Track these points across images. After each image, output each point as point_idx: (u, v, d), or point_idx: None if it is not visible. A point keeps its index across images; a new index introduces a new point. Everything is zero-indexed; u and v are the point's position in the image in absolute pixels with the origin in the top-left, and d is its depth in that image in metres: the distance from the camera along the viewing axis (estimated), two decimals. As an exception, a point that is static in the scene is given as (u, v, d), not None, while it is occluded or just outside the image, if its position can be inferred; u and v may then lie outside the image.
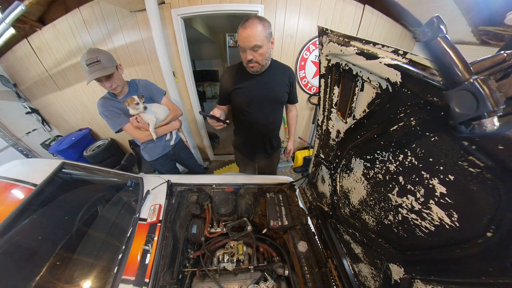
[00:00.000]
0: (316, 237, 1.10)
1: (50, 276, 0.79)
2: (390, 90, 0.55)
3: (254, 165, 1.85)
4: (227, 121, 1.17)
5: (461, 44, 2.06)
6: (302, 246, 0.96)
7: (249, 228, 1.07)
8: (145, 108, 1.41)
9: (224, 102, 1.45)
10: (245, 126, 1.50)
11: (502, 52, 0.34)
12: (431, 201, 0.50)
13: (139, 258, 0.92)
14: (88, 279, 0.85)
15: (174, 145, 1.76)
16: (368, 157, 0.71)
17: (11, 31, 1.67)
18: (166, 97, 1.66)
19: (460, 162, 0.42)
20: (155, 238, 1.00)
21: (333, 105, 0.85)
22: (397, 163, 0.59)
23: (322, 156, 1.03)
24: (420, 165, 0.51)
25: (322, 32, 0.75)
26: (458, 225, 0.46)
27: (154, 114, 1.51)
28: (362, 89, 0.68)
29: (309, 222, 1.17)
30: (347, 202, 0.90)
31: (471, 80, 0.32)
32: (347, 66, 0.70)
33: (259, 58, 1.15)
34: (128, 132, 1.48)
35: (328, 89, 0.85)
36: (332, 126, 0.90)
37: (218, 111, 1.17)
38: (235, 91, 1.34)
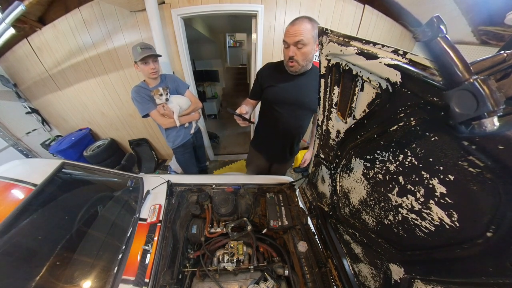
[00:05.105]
0: (316, 237, 1.10)
1: (50, 276, 0.79)
2: (390, 90, 0.55)
3: (268, 167, 1.80)
4: (253, 120, 1.16)
5: (461, 44, 2.06)
6: (302, 246, 0.96)
7: (249, 228, 1.07)
8: (167, 99, 1.63)
9: (255, 97, 1.44)
10: (272, 124, 1.46)
11: (502, 52, 0.34)
12: (431, 201, 0.50)
13: (139, 258, 0.92)
14: (88, 279, 0.85)
15: (193, 134, 1.96)
16: (368, 157, 0.70)
17: (11, 31, 1.66)
18: (189, 90, 1.89)
19: (460, 162, 0.42)
20: (155, 238, 1.00)
21: (333, 105, 0.85)
22: (397, 163, 0.59)
23: (322, 156, 1.03)
24: (420, 165, 0.51)
25: (322, 32, 0.75)
26: (458, 225, 0.45)
27: (178, 104, 1.71)
28: (362, 89, 0.68)
29: (309, 222, 1.17)
30: (347, 202, 0.90)
31: (471, 80, 0.32)
32: (347, 66, 0.70)
33: (300, 57, 1.12)
34: (153, 118, 1.68)
35: (328, 89, 0.85)
36: (332, 126, 0.90)
37: (245, 107, 1.15)
38: (269, 88, 1.32)
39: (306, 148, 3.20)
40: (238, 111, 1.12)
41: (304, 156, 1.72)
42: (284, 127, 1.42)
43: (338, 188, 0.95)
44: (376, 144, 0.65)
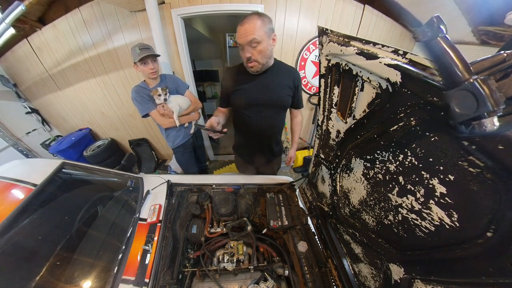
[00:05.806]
0: (316, 237, 1.10)
1: (50, 276, 0.79)
2: (390, 90, 0.55)
3: (254, 170, 1.79)
4: (224, 130, 1.11)
5: (461, 44, 2.06)
6: (302, 246, 0.96)
7: (249, 228, 1.07)
8: (165, 99, 1.63)
9: (224, 104, 1.39)
10: (244, 129, 1.44)
11: (502, 52, 0.34)
12: (431, 201, 0.50)
13: (139, 258, 0.92)
14: (88, 279, 0.85)
15: (193, 134, 1.96)
16: (368, 157, 0.70)
17: (11, 31, 1.66)
18: (189, 90, 1.90)
19: (460, 162, 0.42)
20: (155, 238, 1.00)
21: (333, 105, 0.85)
22: (397, 163, 0.59)
23: (322, 156, 1.03)
24: (420, 165, 0.51)
25: (322, 32, 0.75)
26: (458, 225, 0.45)
27: (178, 104, 1.72)
28: (362, 89, 0.68)
29: (309, 222, 1.17)
30: (347, 202, 0.90)
31: (471, 80, 0.32)
32: (347, 66, 0.70)
33: (258, 56, 1.09)
34: (153, 118, 1.69)
35: (328, 89, 0.85)
36: (332, 126, 0.90)
37: (215, 119, 1.11)
38: (235, 92, 1.28)
39: (306, 148, 3.20)
40: (207, 124, 1.08)
41: (288, 155, 1.70)
42: (256, 130, 1.38)
43: (338, 188, 0.95)
44: (376, 144, 0.65)
